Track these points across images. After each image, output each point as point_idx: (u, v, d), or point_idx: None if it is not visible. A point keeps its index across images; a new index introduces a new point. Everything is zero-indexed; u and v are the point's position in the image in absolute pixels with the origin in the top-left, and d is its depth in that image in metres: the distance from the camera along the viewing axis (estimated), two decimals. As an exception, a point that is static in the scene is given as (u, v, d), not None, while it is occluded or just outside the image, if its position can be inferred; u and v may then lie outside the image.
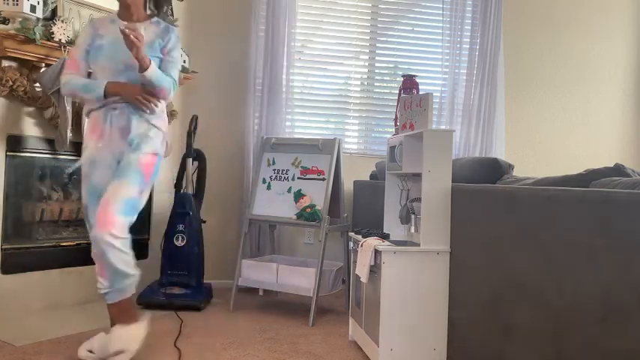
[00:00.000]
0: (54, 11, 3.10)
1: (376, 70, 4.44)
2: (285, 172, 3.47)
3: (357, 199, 3.92)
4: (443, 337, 2.45)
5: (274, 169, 3.51)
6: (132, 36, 2.31)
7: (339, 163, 3.43)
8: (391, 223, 2.88)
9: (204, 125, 3.95)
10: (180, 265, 3.40)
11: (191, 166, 3.64)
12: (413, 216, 2.70)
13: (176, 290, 3.35)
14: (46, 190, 3.31)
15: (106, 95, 2.46)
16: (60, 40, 2.99)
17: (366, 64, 4.42)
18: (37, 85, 3.03)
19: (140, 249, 3.72)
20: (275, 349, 2.70)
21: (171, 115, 3.74)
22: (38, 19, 2.95)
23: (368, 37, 4.39)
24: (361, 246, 2.62)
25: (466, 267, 2.35)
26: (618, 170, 2.05)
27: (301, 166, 3.44)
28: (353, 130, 4.43)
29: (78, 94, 2.56)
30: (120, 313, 2.42)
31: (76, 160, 3.40)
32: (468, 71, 4.30)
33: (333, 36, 4.33)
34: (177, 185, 3.75)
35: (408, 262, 2.43)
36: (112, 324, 2.45)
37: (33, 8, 2.89)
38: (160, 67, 2.52)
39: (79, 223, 3.52)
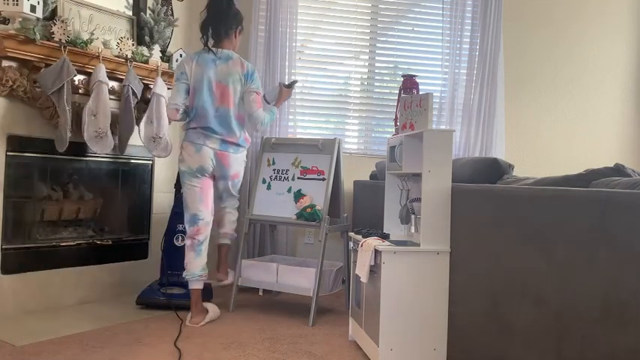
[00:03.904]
0: (54, 11, 3.10)
1: (376, 70, 4.44)
2: (285, 172, 3.47)
3: (357, 199, 3.92)
4: (443, 337, 2.45)
5: (274, 169, 3.51)
6: None
7: (339, 163, 3.43)
8: (391, 223, 2.87)
9: (204, 125, 3.95)
10: (180, 265, 3.39)
11: (191, 166, 3.64)
12: (413, 216, 2.70)
13: (176, 290, 3.35)
14: (46, 190, 3.31)
15: None
16: (60, 40, 2.99)
17: (366, 64, 4.42)
18: (37, 85, 3.03)
19: (140, 249, 3.75)
20: (275, 349, 2.70)
21: (171, 115, 3.74)
22: (38, 19, 2.95)
23: (368, 37, 4.40)
24: (361, 246, 2.62)
25: (466, 267, 2.35)
26: (618, 170, 2.05)
27: (301, 166, 3.44)
28: (353, 130, 4.43)
29: None
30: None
31: (76, 161, 3.42)
32: (468, 71, 4.30)
33: (333, 36, 4.33)
34: (178, 185, 3.75)
35: (408, 262, 2.43)
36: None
37: (33, 8, 2.89)
38: None
39: (79, 223, 3.52)
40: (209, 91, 3.08)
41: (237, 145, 3.18)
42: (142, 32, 3.62)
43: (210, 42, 3.14)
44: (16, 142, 3.05)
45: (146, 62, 3.51)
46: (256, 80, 3.18)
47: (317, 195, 3.31)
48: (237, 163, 3.22)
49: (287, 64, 4.08)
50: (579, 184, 2.00)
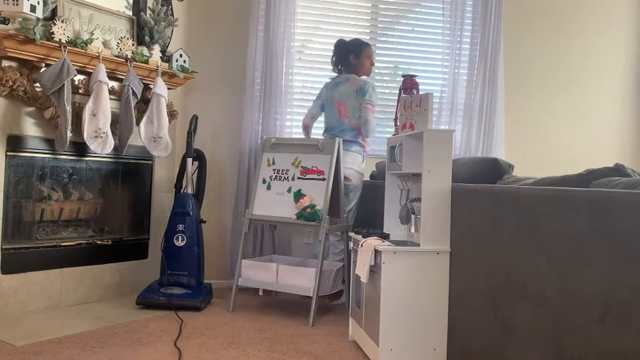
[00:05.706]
0: (54, 11, 3.10)
1: (376, 70, 4.43)
2: (285, 172, 3.47)
3: (357, 199, 3.90)
4: (443, 337, 2.45)
5: (274, 169, 3.50)
6: None
7: (339, 163, 3.43)
8: (391, 223, 2.88)
9: (204, 125, 3.95)
10: (180, 265, 3.40)
11: (191, 166, 3.64)
12: (413, 216, 2.70)
13: (176, 290, 3.35)
14: (46, 190, 3.31)
15: None
16: (60, 40, 2.99)
17: (366, 64, 4.41)
18: (37, 85, 3.03)
19: (140, 249, 3.75)
20: (275, 349, 2.70)
21: (171, 115, 3.74)
22: (38, 19, 2.95)
23: (368, 37, 4.38)
24: (361, 246, 2.62)
25: (466, 267, 2.35)
26: (618, 170, 2.04)
27: (301, 166, 3.44)
28: (353, 130, 4.42)
29: None
30: None
31: (76, 161, 3.42)
32: (468, 71, 4.30)
33: (333, 36, 4.32)
34: (177, 185, 3.75)
35: (408, 262, 2.43)
36: None
37: (33, 8, 2.90)
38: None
39: (79, 223, 3.52)
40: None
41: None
42: (142, 32, 3.62)
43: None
44: (16, 142, 3.05)
45: (146, 62, 3.51)
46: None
47: (317, 195, 3.31)
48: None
49: (286, 63, 4.07)
50: (579, 184, 2.00)
